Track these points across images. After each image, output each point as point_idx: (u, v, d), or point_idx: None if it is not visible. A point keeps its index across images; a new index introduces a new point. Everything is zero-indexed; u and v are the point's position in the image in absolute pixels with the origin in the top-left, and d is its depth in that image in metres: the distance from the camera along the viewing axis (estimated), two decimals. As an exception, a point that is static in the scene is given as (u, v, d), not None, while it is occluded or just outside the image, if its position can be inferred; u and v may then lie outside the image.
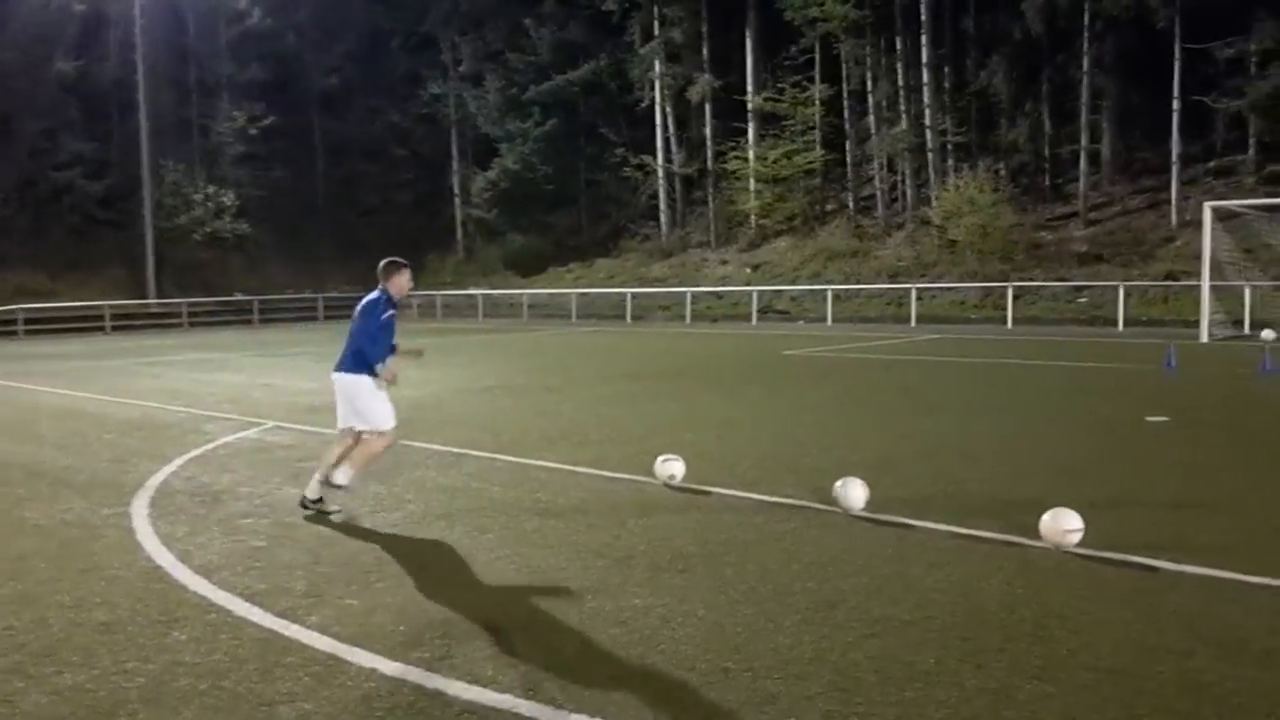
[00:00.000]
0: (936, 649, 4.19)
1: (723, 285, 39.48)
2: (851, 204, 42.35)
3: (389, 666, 4.14)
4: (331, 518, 6.79)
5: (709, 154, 46.59)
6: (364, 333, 6.87)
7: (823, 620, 4.58)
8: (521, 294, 41.98)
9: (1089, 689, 3.76)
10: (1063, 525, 5.62)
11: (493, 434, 10.32)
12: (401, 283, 7.07)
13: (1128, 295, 26.79)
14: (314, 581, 5.35)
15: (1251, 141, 32.77)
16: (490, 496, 7.43)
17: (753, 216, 43.44)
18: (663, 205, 48.10)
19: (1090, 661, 4.03)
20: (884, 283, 34.74)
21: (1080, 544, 5.58)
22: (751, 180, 42.96)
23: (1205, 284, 21.97)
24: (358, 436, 7.05)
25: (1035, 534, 5.73)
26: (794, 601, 4.85)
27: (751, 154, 43.09)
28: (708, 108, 46.18)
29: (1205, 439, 9.52)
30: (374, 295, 6.99)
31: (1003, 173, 35.70)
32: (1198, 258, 22.57)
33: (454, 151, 52.89)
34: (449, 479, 8.09)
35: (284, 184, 47.39)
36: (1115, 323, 26.13)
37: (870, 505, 6.59)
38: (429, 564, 5.68)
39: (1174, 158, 32.63)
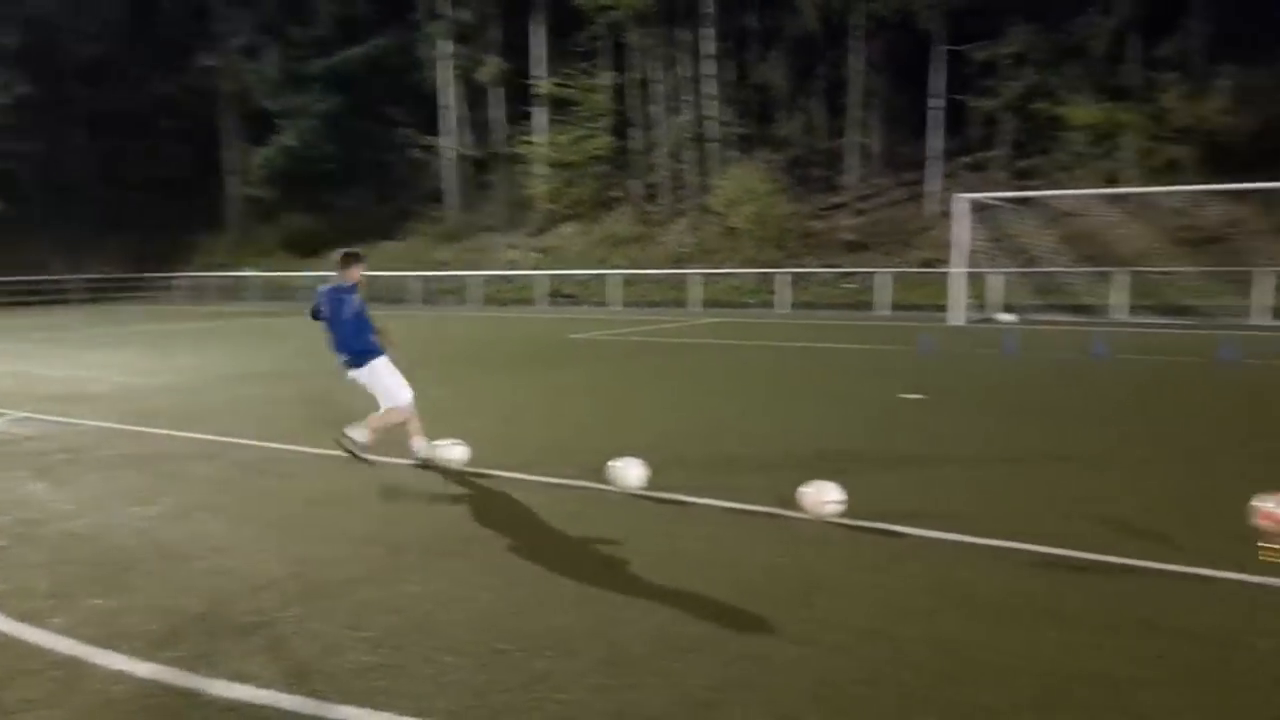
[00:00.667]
0: (705, 620, 4.35)
1: (511, 269, 39.33)
2: (637, 191, 43.02)
3: (141, 668, 3.93)
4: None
5: (499, 137, 46.22)
6: (357, 323, 7.60)
7: (597, 597, 4.66)
8: (301, 277, 40.41)
9: (843, 650, 3.99)
10: (824, 497, 5.94)
11: (261, 422, 9.92)
12: (357, 273, 7.70)
13: (890, 281, 28.45)
14: (59, 581, 5.00)
15: (1002, 139, 35.40)
16: (256, 487, 7.15)
17: (542, 201, 43.42)
18: (450, 188, 47.37)
19: (846, 625, 4.28)
20: (668, 268, 35.50)
21: (841, 514, 5.90)
22: (541, 165, 42.93)
23: (957, 271, 23.60)
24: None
25: (799, 506, 6.01)
26: (569, 580, 4.91)
27: (540, 139, 43.03)
28: (498, 91, 45.77)
29: (952, 414, 10.24)
30: (339, 289, 7.60)
31: (779, 164, 37.12)
32: (950, 246, 24.21)
33: (228, 126, 50.26)
34: (211, 469, 7.72)
35: (40, 158, 43.74)
36: (878, 307, 27.71)
37: (648, 484, 6.74)
38: (187, 559, 5.40)
39: (934, 152, 34.87)
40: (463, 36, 46.19)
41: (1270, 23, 29.90)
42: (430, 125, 46.72)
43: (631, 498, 6.59)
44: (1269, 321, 21.74)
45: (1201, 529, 5.68)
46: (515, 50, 44.50)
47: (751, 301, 31.89)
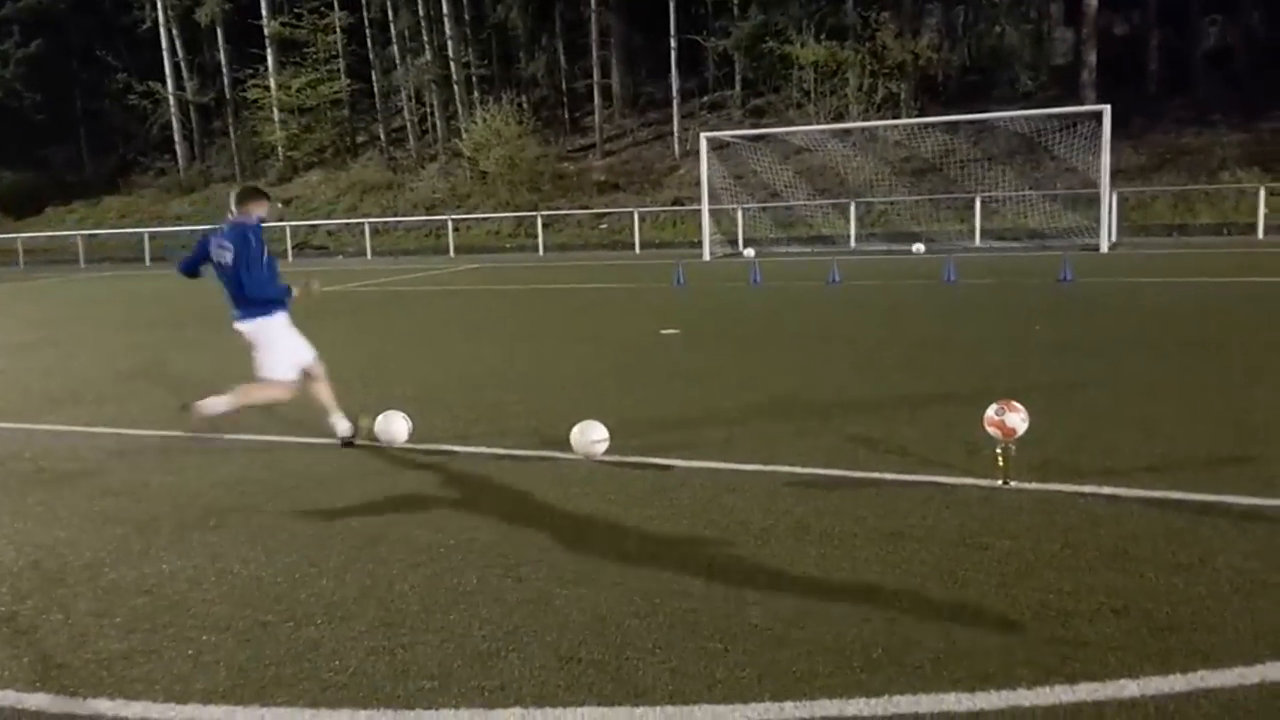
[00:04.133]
0: (479, 568, 4.32)
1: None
2: (383, 136, 41.64)
3: None
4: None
5: (225, 82, 43.44)
6: (258, 267, 6.23)
7: (368, 557, 4.54)
8: (15, 239, 36.73)
9: (618, 585, 4.06)
10: (590, 436, 6.00)
11: (-21, 401, 9.02)
12: (262, 212, 6.47)
13: (642, 220, 28.99)
14: None
15: (737, 78, 36.54)
16: (-22, 473, 6.49)
17: (280, 149, 41.28)
18: (177, 137, 44.24)
19: (618, 561, 4.35)
20: (421, 215, 34.69)
21: (607, 452, 5.99)
22: (275, 110, 40.73)
23: (705, 208, 24.33)
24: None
25: (568, 447, 6.07)
26: (337, 542, 4.75)
27: (273, 82, 40.79)
28: (219, 31, 42.87)
29: (708, 346, 10.60)
30: (238, 225, 6.29)
31: (525, 106, 36.87)
32: (698, 184, 24.91)
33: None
34: (-78, 458, 6.93)
35: None
36: (633, 246, 28.20)
37: (414, 436, 6.61)
38: (-101, 559, 4.85)
39: (674, 92, 35.57)
40: (175, -29, 42.94)
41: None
42: (152, 71, 43.30)
43: (397, 452, 6.44)
44: (982, 243, 23.68)
45: (939, 439, 6.15)
46: (238, -12, 41.79)
47: (509, 246, 31.71)
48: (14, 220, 40.62)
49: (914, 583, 3.98)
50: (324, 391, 6.70)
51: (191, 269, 6.74)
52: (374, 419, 6.66)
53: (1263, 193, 22.97)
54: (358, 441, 6.61)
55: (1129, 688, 3.12)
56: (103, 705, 3.28)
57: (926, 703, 3.07)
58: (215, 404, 6.41)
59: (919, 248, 22.90)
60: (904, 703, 3.07)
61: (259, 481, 5.89)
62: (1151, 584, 3.88)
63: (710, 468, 5.77)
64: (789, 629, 3.59)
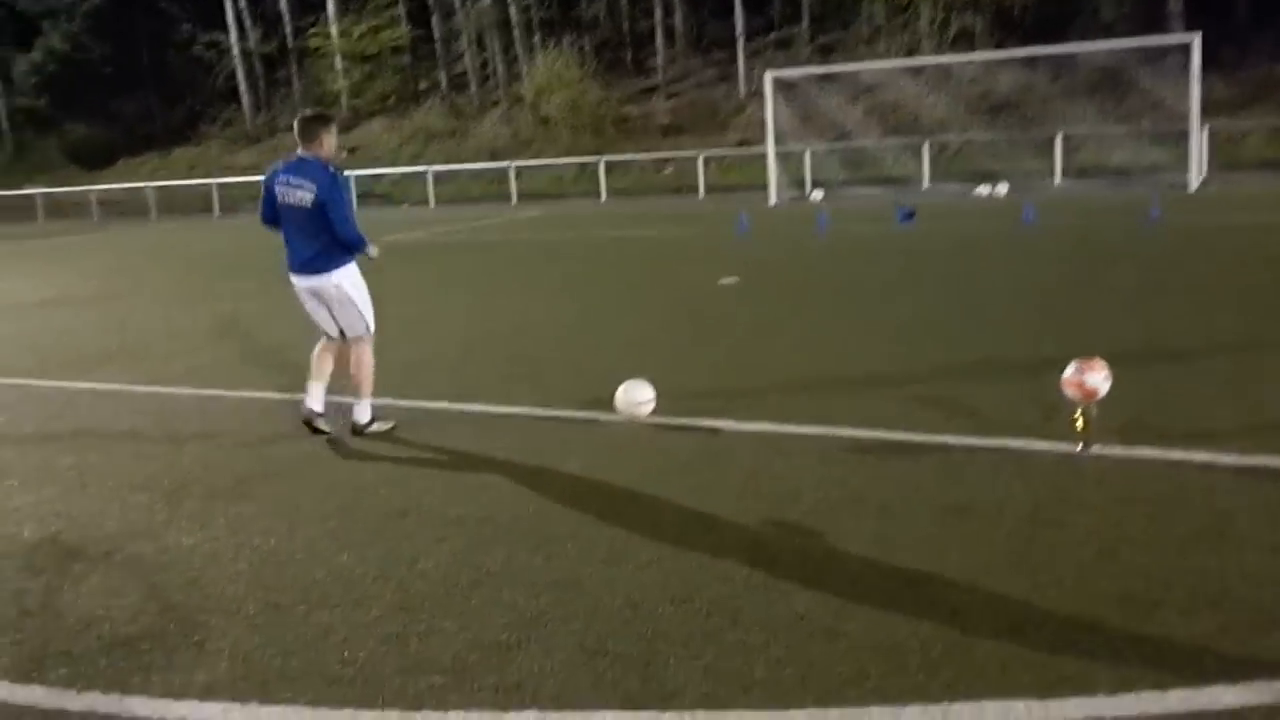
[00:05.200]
0: (507, 545, 4.03)
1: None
2: (445, 82, 41.34)
3: None
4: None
5: (288, 30, 43.43)
6: (337, 212, 5.45)
7: (393, 531, 4.28)
8: (89, 190, 37.28)
9: (653, 566, 3.75)
10: (635, 398, 5.67)
11: (38, 355, 9.00)
12: (331, 143, 5.60)
13: (706, 164, 28.33)
14: None
15: (805, 14, 35.41)
16: (19, 432, 6.38)
17: (343, 97, 41.24)
18: (243, 88, 44.44)
19: (655, 537, 4.03)
20: (484, 162, 34.40)
21: (653, 414, 5.66)
22: (338, 58, 40.63)
23: (770, 150, 23.62)
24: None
25: (612, 408, 5.74)
26: (363, 515, 4.50)
27: (334, 30, 40.65)
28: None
29: (767, 298, 10.17)
30: (309, 163, 5.47)
31: (587, 49, 36.22)
32: (764, 126, 24.18)
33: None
34: (-37, 418, 6.87)
35: None
36: (697, 190, 27.62)
37: (449, 395, 6.36)
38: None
39: (739, 31, 34.59)
40: (238, -80, 42.88)
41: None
42: (215, 20, 43.43)
43: (432, 412, 6.18)
44: (1063, 182, 22.68)
45: (1012, 400, 5.70)
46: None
47: (572, 192, 31.31)
48: (87, 172, 41.24)
49: (980, 566, 3.59)
50: (328, 364, 5.89)
51: (271, 217, 5.77)
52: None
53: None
54: (320, 426, 5.76)
55: (1226, 696, 2.73)
56: (96, 700, 3.07)
57: (992, 712, 2.71)
58: (364, 407, 5.78)
59: (1002, 188, 21.93)
60: (966, 712, 2.71)
61: (293, 447, 5.67)
62: (1253, 568, 3.44)
63: (762, 431, 5.41)
64: (838, 620, 3.25)
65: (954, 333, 7.80)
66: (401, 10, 40.38)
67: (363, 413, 5.77)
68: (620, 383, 5.79)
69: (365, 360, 5.76)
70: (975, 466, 4.63)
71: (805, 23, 35.33)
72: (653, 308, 9.94)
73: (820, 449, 5.04)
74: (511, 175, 30.90)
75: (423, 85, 42.55)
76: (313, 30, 40.68)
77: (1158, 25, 27.74)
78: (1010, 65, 26.08)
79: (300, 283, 5.70)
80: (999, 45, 29.54)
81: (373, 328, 5.80)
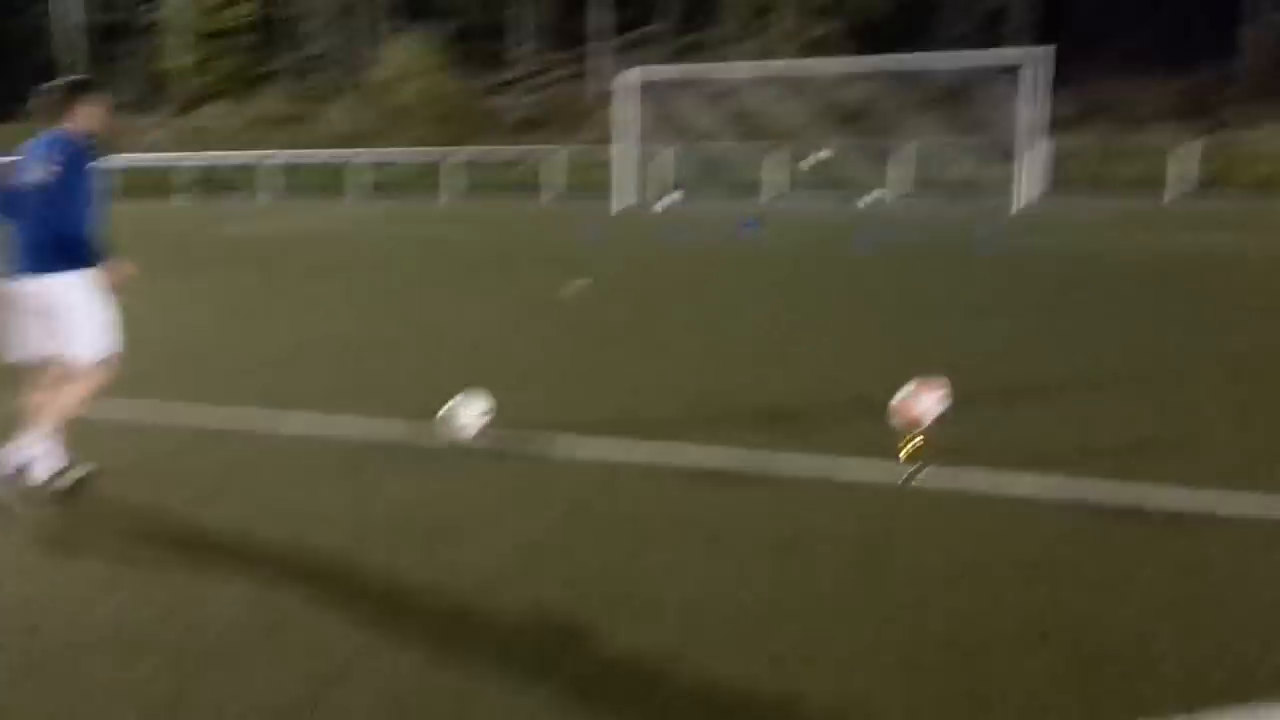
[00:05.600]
0: (308, 585, 3.69)
1: (152, 153, 35.39)
2: (292, 66, 39.86)
3: None
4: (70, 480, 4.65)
5: (129, 2, 41.12)
6: (72, 202, 4.37)
7: (184, 565, 3.88)
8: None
9: (467, 604, 3.49)
10: (464, 415, 5.38)
11: None
12: (99, 115, 4.58)
13: (560, 162, 28.05)
14: None
15: (665, 13, 35.53)
16: None
17: (184, 76, 39.30)
18: (73, 61, 41.71)
19: (474, 569, 3.78)
20: (333, 147, 33.25)
21: (482, 434, 5.38)
22: (180, 35, 38.69)
23: (625, 152, 23.53)
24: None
25: (440, 424, 5.44)
26: (148, 549, 4.09)
27: (178, 4, 38.71)
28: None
29: (615, 305, 10.01)
30: (61, 138, 4.45)
31: (443, 38, 35.46)
32: (619, 126, 24.07)
33: None
34: None
35: None
36: (550, 189, 27.33)
37: (275, 410, 5.94)
38: None
39: (598, 28, 34.46)
40: (73, -118, 40.39)
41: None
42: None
43: (241, 428, 5.75)
44: (908, 193, 23.31)
45: (847, 422, 5.65)
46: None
47: (421, 186, 30.56)
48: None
49: (808, 606, 3.46)
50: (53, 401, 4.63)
51: (8, 205, 4.55)
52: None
53: (1191, 146, 22.85)
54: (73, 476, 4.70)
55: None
56: None
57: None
58: (24, 451, 4.56)
59: (878, 194, 22.56)
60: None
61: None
62: (1077, 606, 3.41)
63: (595, 452, 5.20)
64: (671, 650, 3.06)
65: (791, 349, 7.78)
66: (249, -14, 38.78)
67: (18, 455, 4.55)
68: (452, 397, 5.50)
69: (70, 396, 4.63)
70: (807, 494, 4.53)
71: (666, 22, 35.45)
72: (494, 314, 9.64)
73: (653, 473, 4.87)
74: (356, 166, 29.93)
75: (269, 68, 40.93)
76: (153, 3, 38.61)
77: (1003, 42, 28.92)
78: (861, 75, 26.66)
79: (22, 286, 4.49)
80: (855, 53, 30.26)
81: (96, 354, 4.64)
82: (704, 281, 11.56)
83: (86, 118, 4.58)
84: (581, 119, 33.02)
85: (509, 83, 36.23)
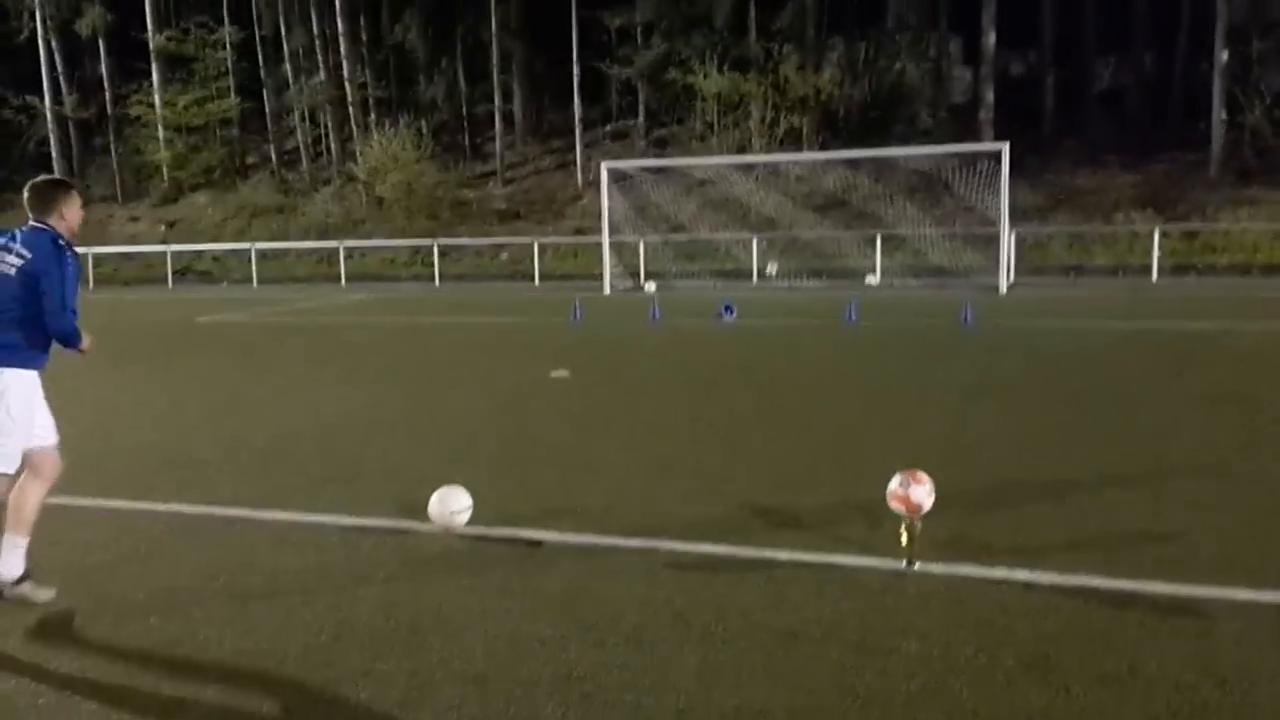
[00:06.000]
0: (289, 685, 3.57)
1: (133, 245, 35.53)
2: (274, 157, 40.29)
3: None
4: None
5: (107, 97, 41.59)
6: (52, 287, 4.34)
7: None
8: None
9: (454, 708, 3.37)
10: (450, 506, 5.29)
11: None
12: (75, 215, 4.60)
13: (542, 251, 28.30)
14: None
15: (641, 107, 36.23)
16: None
17: (164, 168, 39.58)
18: (55, 154, 42.08)
19: (461, 669, 3.66)
20: (313, 240, 33.46)
21: (470, 522, 5.29)
22: (160, 128, 39.07)
23: (605, 240, 23.78)
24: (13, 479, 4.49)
25: (426, 515, 5.35)
26: (133, 623, 3.96)
27: (158, 99, 39.15)
28: (101, 44, 41.10)
29: (599, 391, 9.97)
30: (39, 231, 4.47)
31: (424, 130, 36.01)
32: (600, 215, 24.36)
33: None
34: None
35: None
36: (533, 277, 27.50)
37: (246, 499, 5.83)
38: None
39: (577, 120, 35.08)
40: (57, -19, 41.11)
41: None
42: (30, 84, 41.15)
43: (221, 520, 5.63)
44: (884, 280, 23.55)
45: (838, 511, 5.59)
46: (126, 1, 39.99)
47: (404, 275, 30.71)
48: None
49: (809, 703, 3.37)
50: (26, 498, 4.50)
51: None
52: None
53: (1157, 234, 23.34)
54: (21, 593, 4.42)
55: None
56: None
57: None
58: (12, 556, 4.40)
59: (872, 280, 22.98)
60: None
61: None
62: (1080, 702, 3.33)
63: (585, 542, 5.12)
64: (656, 775, 2.95)
65: (779, 435, 7.74)
66: (231, 82, 39.26)
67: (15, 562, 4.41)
68: (437, 487, 5.41)
69: (32, 495, 4.49)
70: (802, 585, 4.45)
71: (641, 116, 36.12)
72: (480, 402, 9.58)
73: (645, 564, 4.78)
74: (341, 255, 30.09)
75: (251, 160, 41.34)
76: (135, 97, 39.02)
77: (971, 134, 29.61)
78: (835, 165, 27.21)
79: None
80: (824, 146, 30.92)
81: (13, 464, 4.45)
82: (690, 365, 11.56)
83: (65, 215, 4.59)
84: (564, 208, 33.41)
85: (490, 174, 36.68)
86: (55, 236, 4.51)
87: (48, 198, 4.57)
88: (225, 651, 3.90)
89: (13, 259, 4.42)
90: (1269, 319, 14.32)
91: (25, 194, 4.62)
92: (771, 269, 23.86)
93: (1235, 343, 12.05)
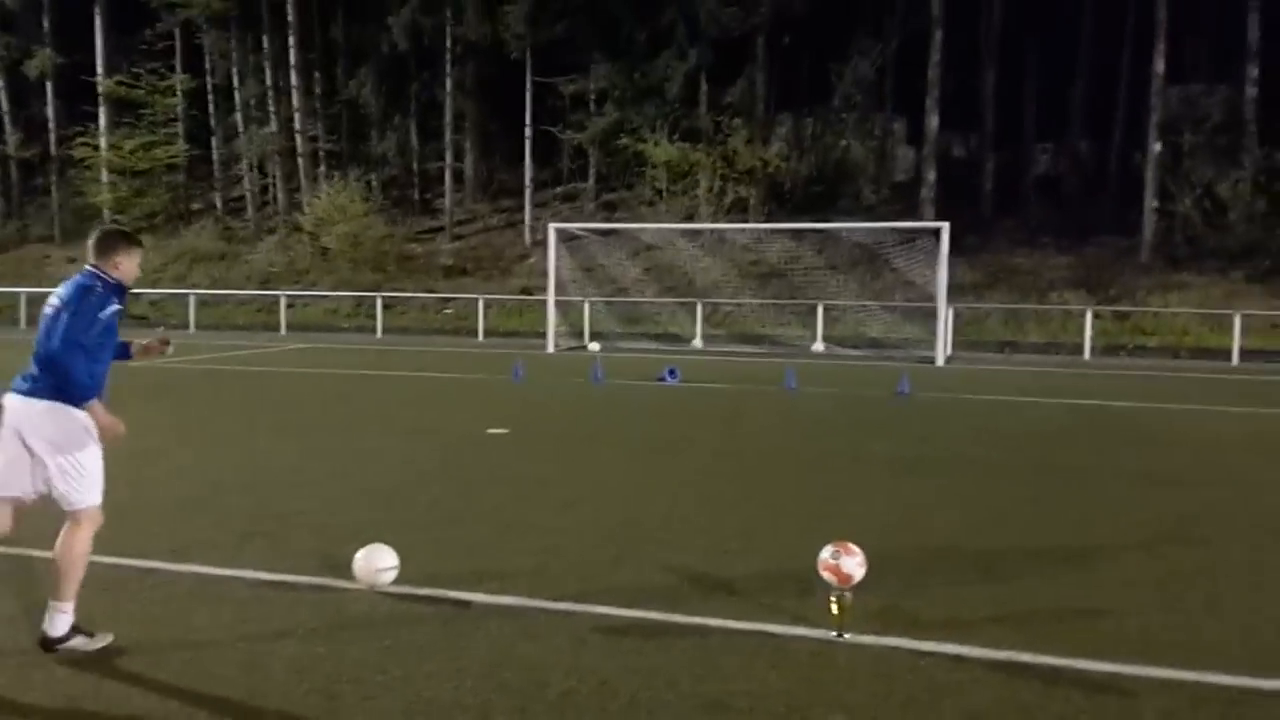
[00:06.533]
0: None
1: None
2: (219, 204, 39.92)
3: None
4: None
5: (53, 138, 41.04)
6: (69, 335, 4.24)
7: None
8: None
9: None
10: (375, 564, 5.17)
11: None
12: (132, 265, 4.59)
13: (487, 308, 28.23)
14: None
15: (591, 171, 36.55)
16: None
17: (106, 211, 38.94)
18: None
19: (377, 737, 3.54)
20: (254, 288, 33.05)
21: (397, 580, 5.17)
22: (104, 171, 38.54)
23: (551, 299, 23.80)
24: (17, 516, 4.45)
25: (350, 573, 5.21)
26: (31, 691, 3.77)
27: (104, 142, 38.67)
28: (49, 85, 40.66)
29: (536, 451, 9.87)
30: (84, 278, 4.43)
31: (374, 183, 35.95)
32: (546, 275, 24.40)
33: None
34: None
35: None
36: (477, 334, 27.38)
37: (163, 553, 5.65)
38: None
39: (527, 181, 35.29)
40: (6, 22, 40.67)
41: (822, 74, 33.25)
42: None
43: (138, 573, 5.44)
44: (824, 350, 23.79)
45: (770, 579, 5.55)
46: (71, 42, 39.68)
47: (347, 326, 30.39)
48: None
49: (732, 777, 3.30)
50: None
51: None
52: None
53: (1089, 315, 23.91)
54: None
55: None
56: None
57: None
58: (63, 619, 4.31)
59: (818, 347, 23.20)
60: None
61: (-42, 610, 4.81)
62: (1003, 781, 3.31)
63: (513, 605, 5.02)
64: None
65: (716, 501, 7.69)
66: (180, 129, 38.97)
67: (63, 621, 4.33)
68: (365, 543, 5.29)
69: (80, 546, 4.43)
70: (732, 654, 4.39)
71: (591, 180, 36.43)
72: (414, 457, 9.43)
73: (573, 629, 4.69)
74: (282, 304, 29.72)
75: (196, 206, 40.91)
76: (81, 140, 38.51)
77: (912, 211, 30.28)
78: (779, 236, 27.61)
79: (8, 402, 4.41)
80: (770, 217, 31.40)
81: (96, 502, 4.50)
82: (630, 427, 11.51)
83: (120, 265, 4.57)
84: (510, 267, 33.43)
85: (438, 230, 36.66)
86: (95, 276, 4.48)
87: (107, 245, 4.57)
88: (132, 708, 3.75)
89: (54, 299, 4.40)
90: (1197, 401, 14.66)
91: (90, 238, 4.63)
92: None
93: (1165, 423, 12.30)
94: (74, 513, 4.39)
